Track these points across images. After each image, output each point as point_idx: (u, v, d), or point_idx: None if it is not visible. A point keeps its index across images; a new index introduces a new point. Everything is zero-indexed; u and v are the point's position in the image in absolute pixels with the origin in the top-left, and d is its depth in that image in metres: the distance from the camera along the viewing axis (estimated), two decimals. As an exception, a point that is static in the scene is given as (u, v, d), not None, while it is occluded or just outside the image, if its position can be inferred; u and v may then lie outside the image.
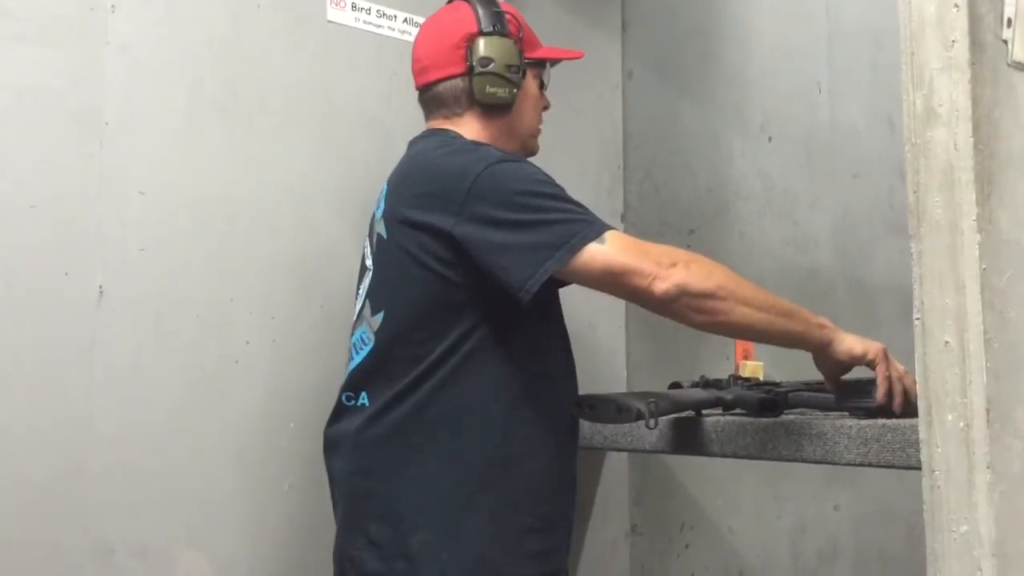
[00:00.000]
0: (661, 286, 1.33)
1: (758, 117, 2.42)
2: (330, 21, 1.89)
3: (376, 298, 1.52)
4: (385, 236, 1.52)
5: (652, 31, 2.40)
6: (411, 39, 1.98)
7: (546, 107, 1.66)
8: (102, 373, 1.58)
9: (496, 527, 1.42)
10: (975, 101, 1.04)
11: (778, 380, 1.70)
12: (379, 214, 1.55)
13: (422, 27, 1.67)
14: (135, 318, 1.61)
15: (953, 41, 1.05)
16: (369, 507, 1.46)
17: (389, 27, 1.97)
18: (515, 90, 1.56)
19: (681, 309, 1.35)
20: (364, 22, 1.94)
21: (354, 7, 1.92)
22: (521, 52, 1.58)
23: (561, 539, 1.51)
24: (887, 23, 1.28)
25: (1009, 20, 1.08)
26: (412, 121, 1.95)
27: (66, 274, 1.56)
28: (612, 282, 1.37)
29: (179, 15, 1.70)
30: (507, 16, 1.58)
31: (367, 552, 1.43)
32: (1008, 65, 1.08)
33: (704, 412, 1.56)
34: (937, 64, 1.06)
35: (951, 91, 1.05)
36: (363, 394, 1.50)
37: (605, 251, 1.35)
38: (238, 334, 1.72)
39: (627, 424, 1.49)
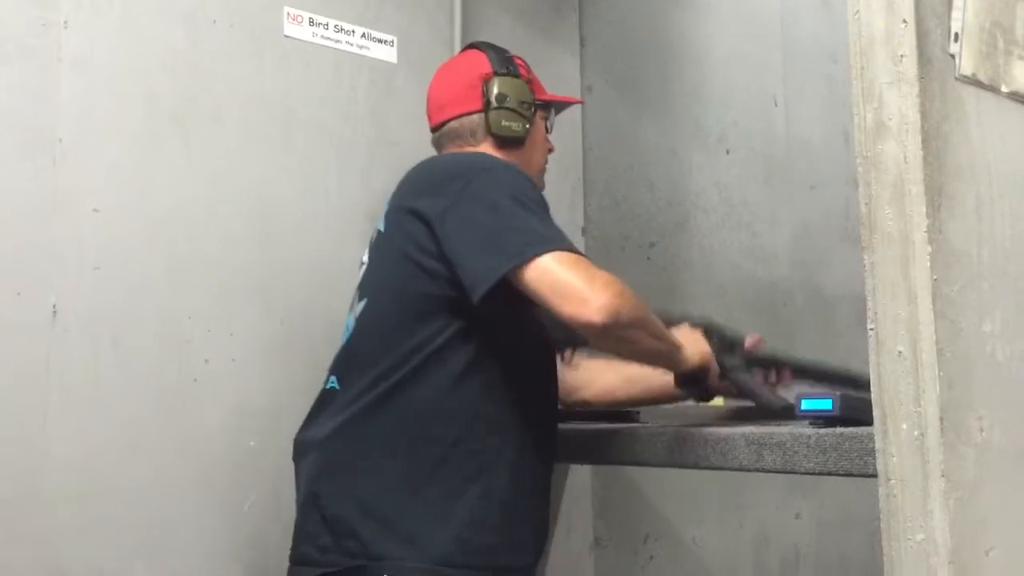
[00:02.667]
0: (598, 316, 1.34)
1: (716, 130, 2.44)
2: (287, 36, 1.88)
3: (363, 288, 1.56)
4: (383, 230, 1.55)
5: (610, 46, 2.41)
6: (370, 54, 1.99)
7: (551, 150, 1.74)
8: (57, 393, 1.55)
9: (444, 520, 1.41)
10: (924, 114, 1.05)
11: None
12: (384, 213, 1.57)
13: (438, 71, 1.74)
14: (90, 337, 1.59)
15: (902, 56, 1.07)
16: (326, 489, 1.47)
17: (347, 42, 1.97)
18: (528, 125, 1.65)
19: (609, 338, 1.39)
20: (322, 37, 1.93)
21: (312, 22, 1.91)
22: (532, 92, 1.67)
23: (515, 538, 1.49)
24: (839, 37, 1.31)
25: (956, 35, 1.10)
26: (372, 134, 1.96)
27: (18, 294, 1.53)
28: (554, 302, 1.37)
29: (133, 30, 1.69)
30: (517, 61, 1.69)
31: (320, 527, 1.45)
32: (956, 79, 1.10)
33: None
34: (886, 78, 1.08)
35: (900, 105, 1.06)
36: (332, 378, 1.54)
37: (552, 269, 1.36)
38: (196, 352, 1.70)
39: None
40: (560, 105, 1.78)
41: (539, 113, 1.69)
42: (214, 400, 1.71)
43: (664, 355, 1.49)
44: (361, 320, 1.53)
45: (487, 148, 1.63)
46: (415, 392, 1.45)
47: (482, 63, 1.67)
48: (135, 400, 1.63)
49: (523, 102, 1.65)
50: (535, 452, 1.53)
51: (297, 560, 1.49)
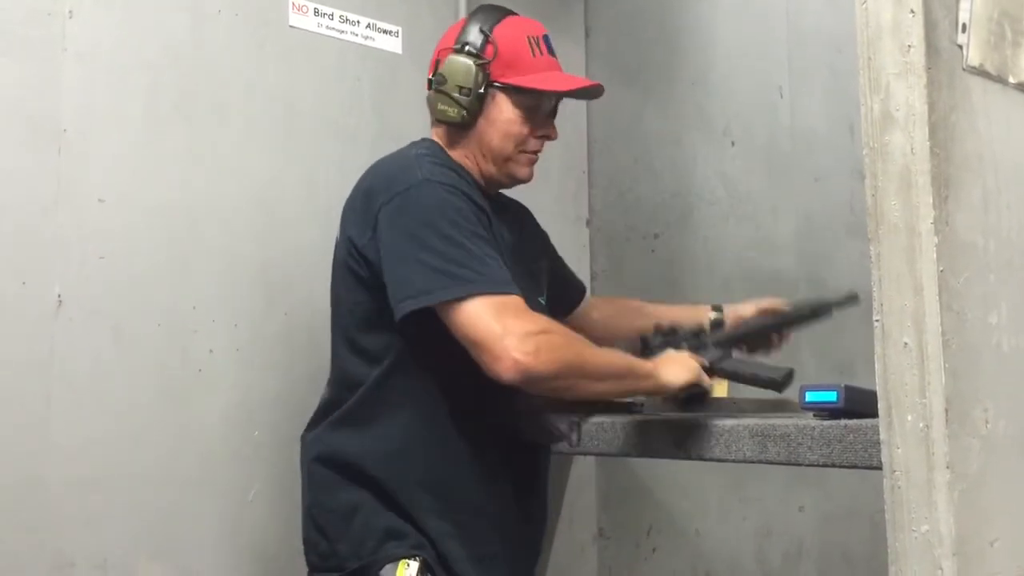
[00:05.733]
0: (507, 374, 1.34)
1: (720, 122, 2.43)
2: (292, 26, 1.88)
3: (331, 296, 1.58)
4: (338, 236, 1.56)
5: (615, 37, 2.40)
6: (374, 44, 1.99)
7: (543, 136, 1.60)
8: (61, 383, 1.55)
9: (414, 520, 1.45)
10: (931, 105, 1.05)
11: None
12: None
13: None
14: (95, 327, 1.59)
15: (909, 46, 1.06)
16: (313, 497, 1.52)
17: (352, 32, 1.96)
18: (464, 112, 1.53)
19: (529, 388, 1.38)
20: (327, 27, 1.93)
21: (316, 12, 1.91)
22: (486, 75, 1.53)
23: (469, 530, 1.49)
24: (846, 28, 1.30)
25: (964, 25, 1.10)
26: (376, 126, 1.95)
27: (23, 283, 1.53)
28: (472, 351, 1.37)
29: (138, 20, 1.69)
30: (491, 37, 1.53)
31: (316, 535, 1.50)
32: (963, 69, 1.10)
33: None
34: (894, 69, 1.08)
35: (908, 95, 1.06)
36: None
37: (465, 316, 1.36)
38: (201, 343, 1.70)
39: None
40: (530, 89, 1.56)
41: (504, 97, 1.54)
42: (218, 390, 1.71)
43: (627, 388, 1.50)
44: (331, 329, 1.57)
45: (440, 128, 1.58)
46: (366, 398, 1.48)
47: (451, 36, 1.56)
48: (139, 390, 1.63)
49: (462, 87, 1.51)
50: (478, 452, 1.51)
51: (309, 567, 1.53)
